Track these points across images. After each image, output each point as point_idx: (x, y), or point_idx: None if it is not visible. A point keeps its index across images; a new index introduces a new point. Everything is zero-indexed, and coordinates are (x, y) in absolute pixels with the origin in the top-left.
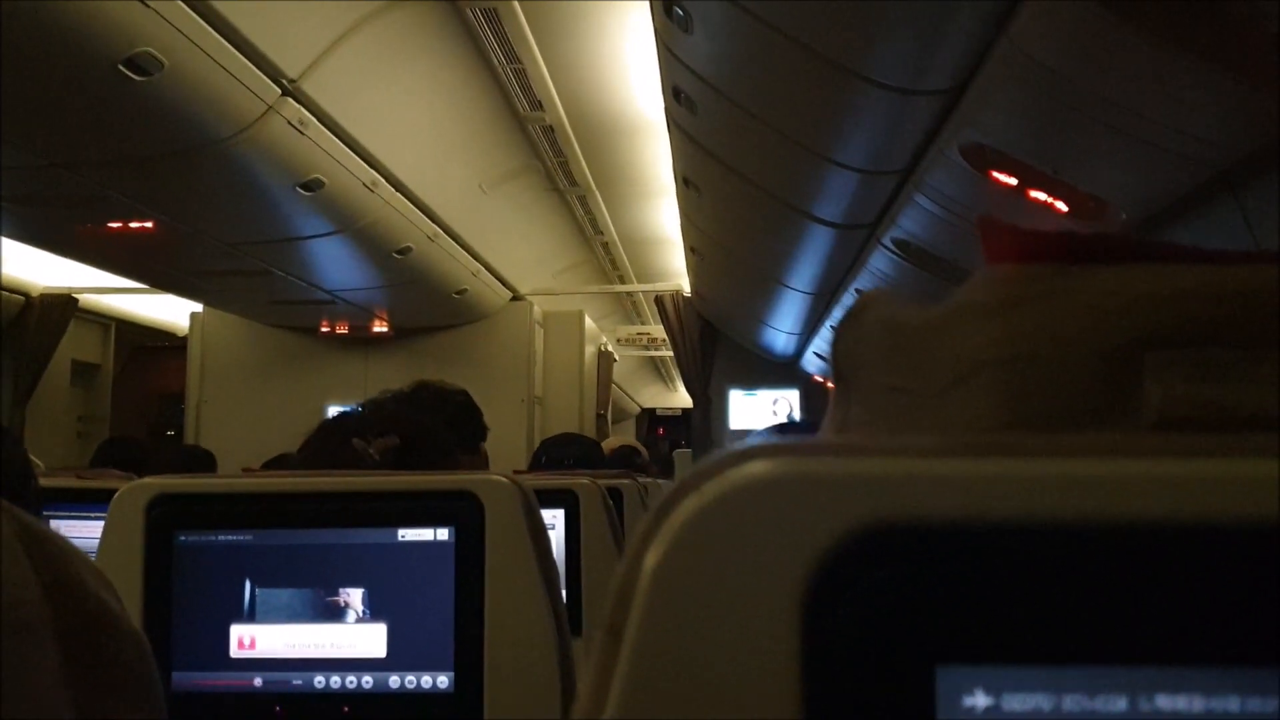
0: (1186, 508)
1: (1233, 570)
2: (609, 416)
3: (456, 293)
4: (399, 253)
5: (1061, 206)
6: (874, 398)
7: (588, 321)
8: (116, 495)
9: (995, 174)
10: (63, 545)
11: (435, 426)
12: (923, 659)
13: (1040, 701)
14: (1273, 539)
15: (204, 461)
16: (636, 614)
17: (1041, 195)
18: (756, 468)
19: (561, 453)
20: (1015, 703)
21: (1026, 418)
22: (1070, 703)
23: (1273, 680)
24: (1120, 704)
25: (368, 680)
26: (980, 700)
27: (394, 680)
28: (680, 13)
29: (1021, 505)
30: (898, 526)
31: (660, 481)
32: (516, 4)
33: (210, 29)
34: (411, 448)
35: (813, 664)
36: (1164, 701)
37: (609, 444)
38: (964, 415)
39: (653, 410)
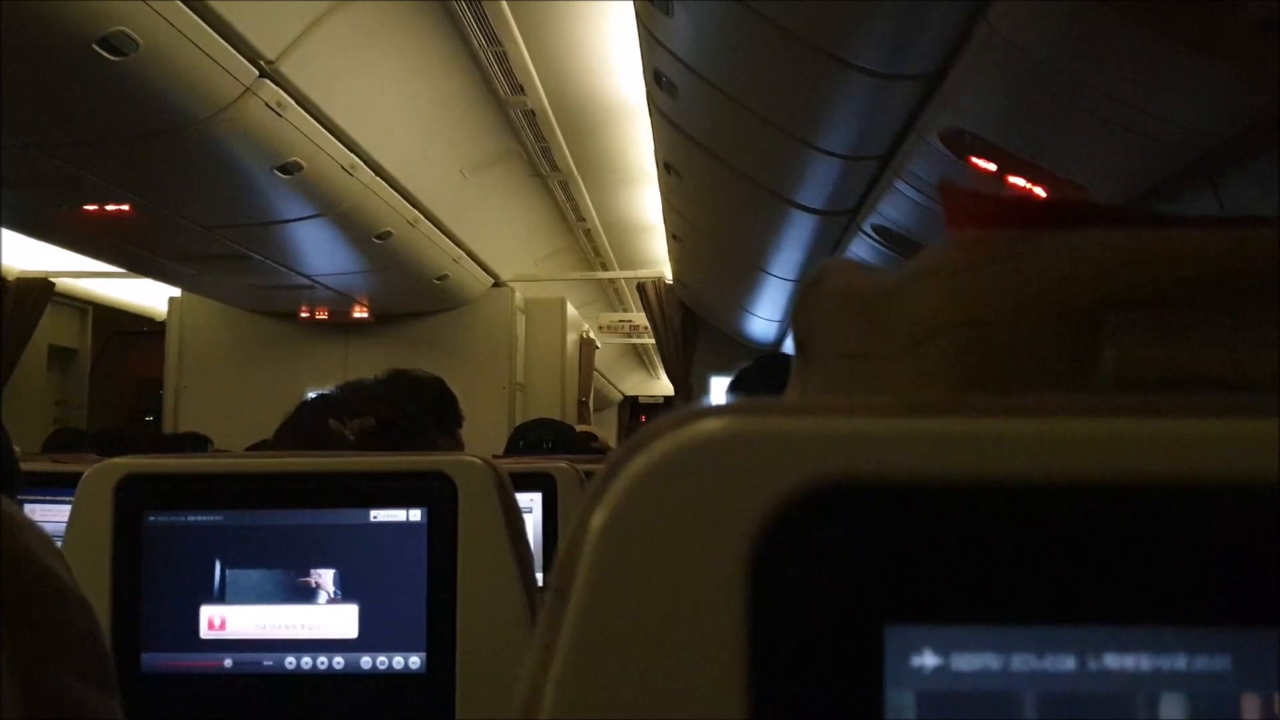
0: (1140, 467)
1: (1182, 530)
2: (590, 404)
3: (437, 278)
4: (379, 237)
5: (1040, 192)
6: (832, 365)
7: (570, 308)
8: (84, 476)
9: (974, 160)
10: (10, 513)
11: (411, 408)
12: (871, 618)
13: (988, 661)
14: (1223, 499)
15: (196, 446)
16: (582, 574)
17: (1020, 181)
18: (705, 425)
19: (538, 436)
20: (963, 662)
21: (983, 381)
22: (1019, 662)
23: (1220, 639)
24: (1069, 663)
25: (339, 661)
26: (929, 660)
27: (365, 661)
28: None
29: (970, 464)
30: (846, 485)
31: None
32: None
33: (186, 9)
34: (387, 429)
35: (759, 622)
36: (1112, 661)
37: None
38: (920, 379)
39: (635, 398)
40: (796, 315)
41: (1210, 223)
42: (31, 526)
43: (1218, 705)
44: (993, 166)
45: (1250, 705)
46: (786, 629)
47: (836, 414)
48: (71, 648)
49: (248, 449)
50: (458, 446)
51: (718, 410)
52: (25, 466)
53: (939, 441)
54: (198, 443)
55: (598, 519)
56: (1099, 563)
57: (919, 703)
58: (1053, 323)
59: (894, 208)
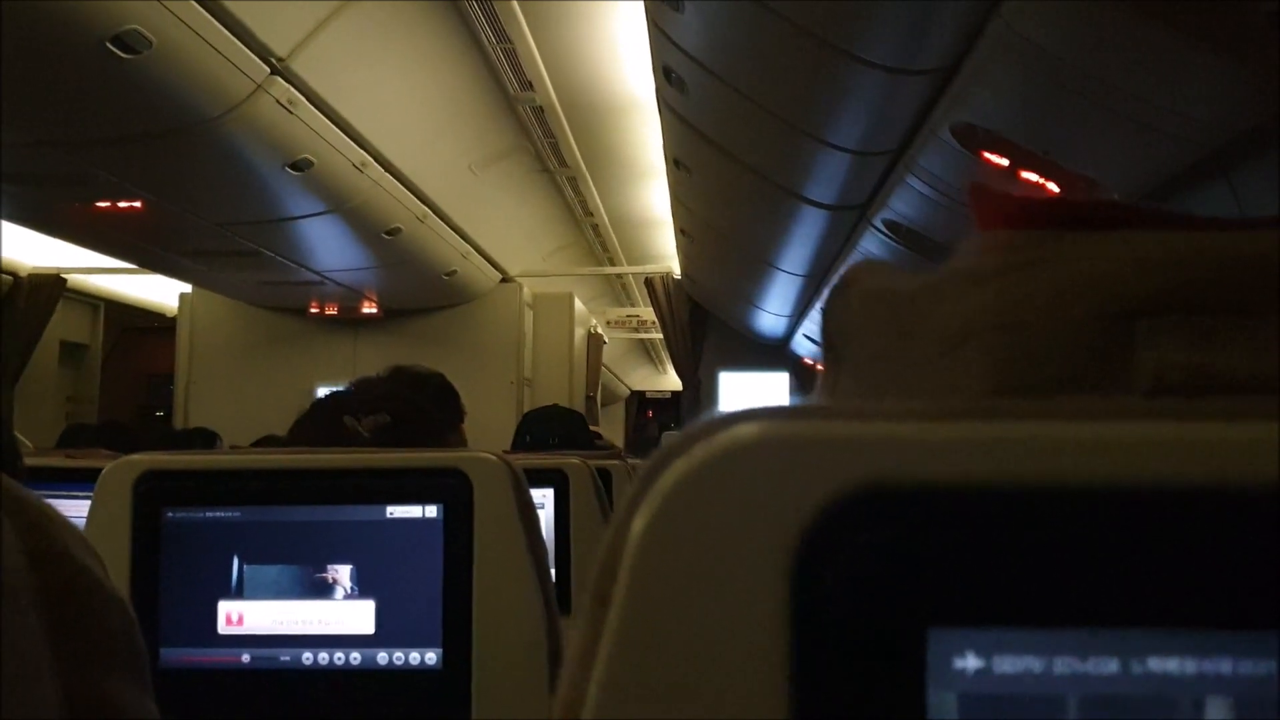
0: (1179, 470)
1: (1226, 533)
2: (598, 399)
3: (446, 274)
4: (388, 233)
5: (1053, 188)
6: (864, 367)
7: (577, 303)
8: (104, 472)
9: (986, 155)
10: (48, 512)
11: (425, 405)
12: (913, 621)
13: (1031, 664)
14: (1266, 502)
15: (207, 442)
16: (623, 579)
17: (1033, 176)
18: (744, 430)
19: (545, 430)
20: (1006, 665)
21: (1018, 385)
22: (1061, 665)
23: (1265, 643)
24: (1112, 666)
25: (355, 657)
26: (971, 663)
27: (382, 657)
28: None
29: (1013, 468)
30: (887, 489)
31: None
32: None
33: (199, 6)
34: (401, 425)
35: (802, 627)
36: (1155, 664)
37: None
38: (954, 383)
39: (642, 393)
40: (827, 317)
41: (1243, 225)
42: (68, 526)
43: (1263, 710)
44: (1005, 161)
45: None
46: (828, 633)
47: (875, 418)
48: (110, 647)
49: (253, 444)
50: (461, 441)
51: (755, 414)
52: (38, 461)
53: (979, 446)
54: (207, 439)
55: (638, 524)
56: (1141, 566)
57: (961, 705)
58: (1088, 327)
59: (905, 203)
